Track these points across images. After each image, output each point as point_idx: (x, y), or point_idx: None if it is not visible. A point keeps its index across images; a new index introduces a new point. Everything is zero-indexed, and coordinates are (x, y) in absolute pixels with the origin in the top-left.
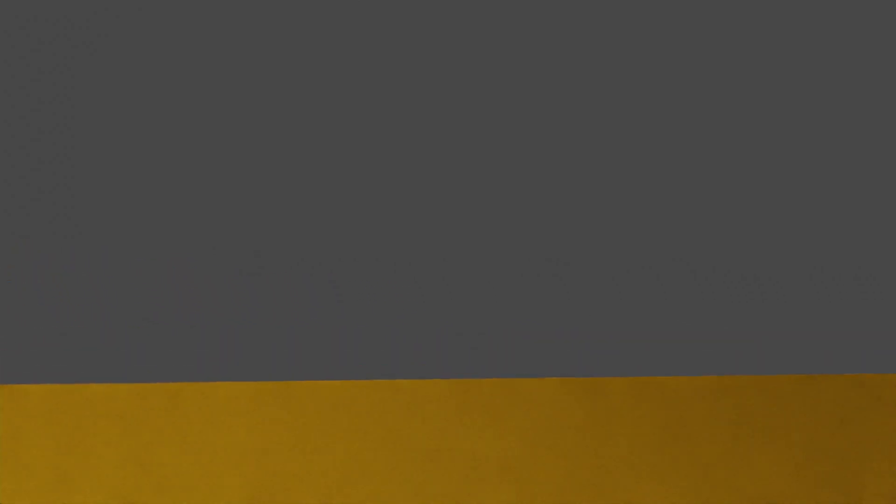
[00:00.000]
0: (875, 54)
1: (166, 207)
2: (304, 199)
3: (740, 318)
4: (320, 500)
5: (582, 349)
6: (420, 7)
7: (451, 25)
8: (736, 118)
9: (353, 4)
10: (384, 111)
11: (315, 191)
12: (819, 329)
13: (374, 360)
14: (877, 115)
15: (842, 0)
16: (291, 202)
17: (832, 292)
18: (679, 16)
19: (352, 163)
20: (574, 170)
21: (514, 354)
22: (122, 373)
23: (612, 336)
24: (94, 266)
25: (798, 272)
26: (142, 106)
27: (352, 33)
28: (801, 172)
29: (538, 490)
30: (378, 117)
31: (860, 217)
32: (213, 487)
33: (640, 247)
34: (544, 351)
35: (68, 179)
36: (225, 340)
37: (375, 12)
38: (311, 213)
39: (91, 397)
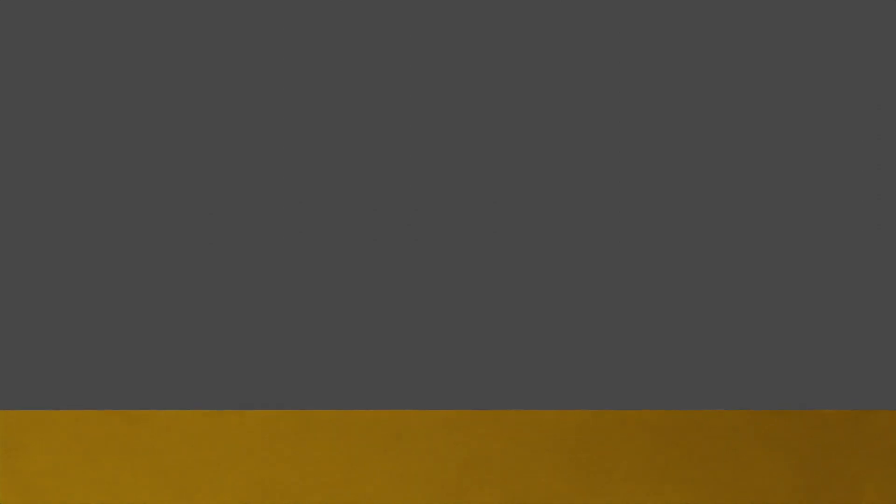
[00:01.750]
0: (877, 59)
1: (176, 227)
2: (303, 210)
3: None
4: None
5: (580, 378)
6: (419, 7)
7: (450, 25)
8: (744, 136)
9: (352, 5)
10: (379, 117)
11: (313, 202)
12: (818, 362)
13: (362, 387)
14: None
15: (842, 1)
16: (292, 216)
17: (832, 323)
18: (679, 16)
19: (346, 171)
20: (575, 172)
21: (513, 383)
22: (129, 399)
23: (611, 360)
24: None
25: (802, 274)
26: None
27: (353, 30)
28: (812, 174)
29: (534, 492)
30: (372, 123)
31: (864, 246)
32: None
33: (643, 255)
34: (535, 377)
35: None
36: (222, 367)
37: (375, 12)
38: (310, 225)
39: (95, 424)
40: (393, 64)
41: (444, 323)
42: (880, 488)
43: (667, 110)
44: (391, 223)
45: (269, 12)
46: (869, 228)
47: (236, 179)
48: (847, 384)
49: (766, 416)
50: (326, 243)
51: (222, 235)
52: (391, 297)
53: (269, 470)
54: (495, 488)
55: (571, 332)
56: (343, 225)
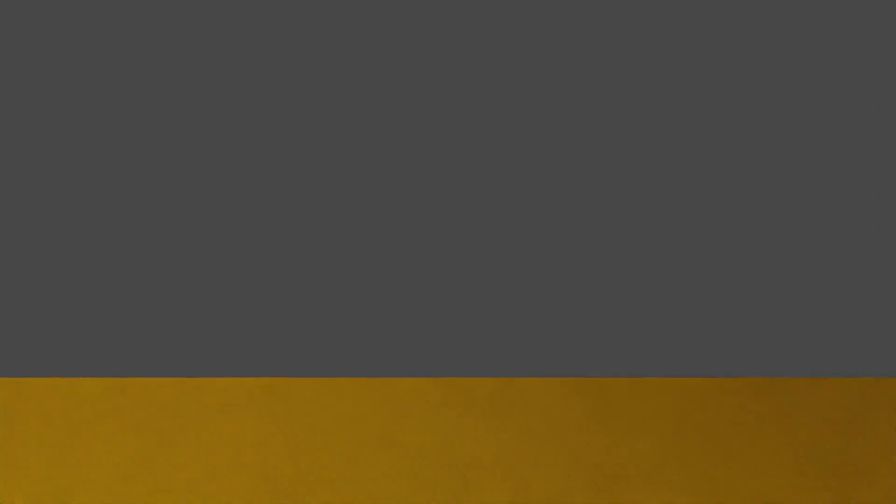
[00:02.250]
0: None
1: (169, 200)
2: (303, 189)
3: (743, 319)
4: (318, 498)
5: (583, 348)
6: (419, 7)
7: (450, 25)
8: (738, 123)
9: (352, 5)
10: (379, 117)
11: (314, 179)
12: (821, 331)
13: (368, 356)
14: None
15: (842, 1)
16: (292, 194)
17: (834, 294)
18: (679, 16)
19: (346, 171)
20: (577, 164)
21: (514, 353)
22: (123, 366)
23: (614, 335)
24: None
25: (803, 274)
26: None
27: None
28: (812, 174)
29: (535, 491)
30: (372, 124)
31: (863, 220)
32: (215, 485)
33: (645, 246)
34: (544, 350)
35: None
36: (226, 335)
37: (375, 12)
38: (310, 226)
39: (89, 391)
40: (393, 64)
41: (444, 323)
42: (887, 458)
43: (667, 110)
44: (391, 223)
45: (269, 12)
46: (869, 228)
47: (236, 179)
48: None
49: (775, 383)
50: (326, 243)
51: (222, 235)
52: (391, 296)
53: (261, 438)
54: (499, 462)
55: (572, 330)
56: (343, 225)
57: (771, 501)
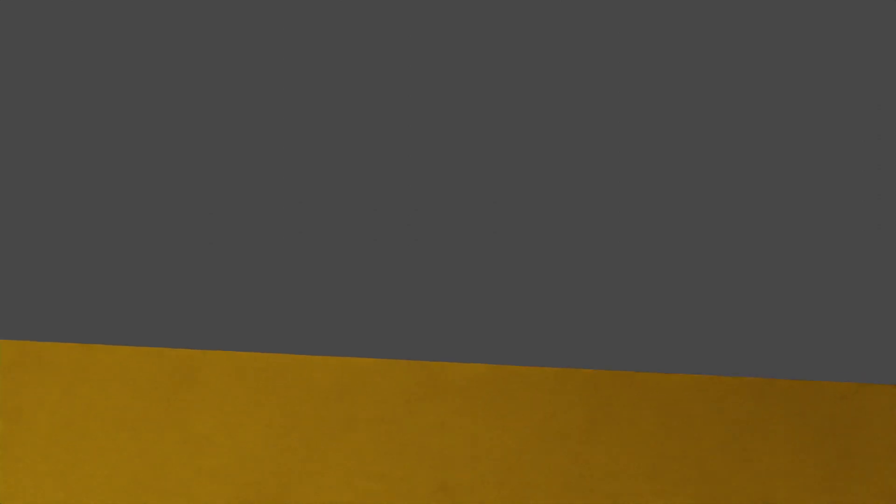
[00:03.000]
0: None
1: (170, 200)
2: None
3: (742, 318)
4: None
5: (582, 344)
6: (420, 7)
7: (450, 25)
8: (737, 121)
9: (352, 4)
10: (379, 117)
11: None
12: (821, 329)
13: (369, 340)
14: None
15: (842, 1)
16: (293, 176)
17: (833, 297)
18: (679, 16)
19: (346, 171)
20: (576, 164)
21: (514, 353)
22: (133, 335)
23: (613, 330)
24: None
25: (803, 273)
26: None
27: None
28: (812, 174)
29: (530, 485)
30: (372, 124)
31: (862, 224)
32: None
33: (648, 245)
34: (544, 348)
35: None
36: (239, 310)
37: (375, 12)
38: (310, 226)
39: (98, 359)
40: (393, 64)
41: (444, 323)
42: (882, 463)
43: (667, 110)
44: (391, 223)
45: (269, 12)
46: (869, 228)
47: (236, 179)
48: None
49: (774, 385)
50: (326, 243)
51: (222, 235)
52: (391, 296)
53: (262, 409)
54: (502, 446)
55: (572, 328)
56: (343, 225)
57: (770, 501)
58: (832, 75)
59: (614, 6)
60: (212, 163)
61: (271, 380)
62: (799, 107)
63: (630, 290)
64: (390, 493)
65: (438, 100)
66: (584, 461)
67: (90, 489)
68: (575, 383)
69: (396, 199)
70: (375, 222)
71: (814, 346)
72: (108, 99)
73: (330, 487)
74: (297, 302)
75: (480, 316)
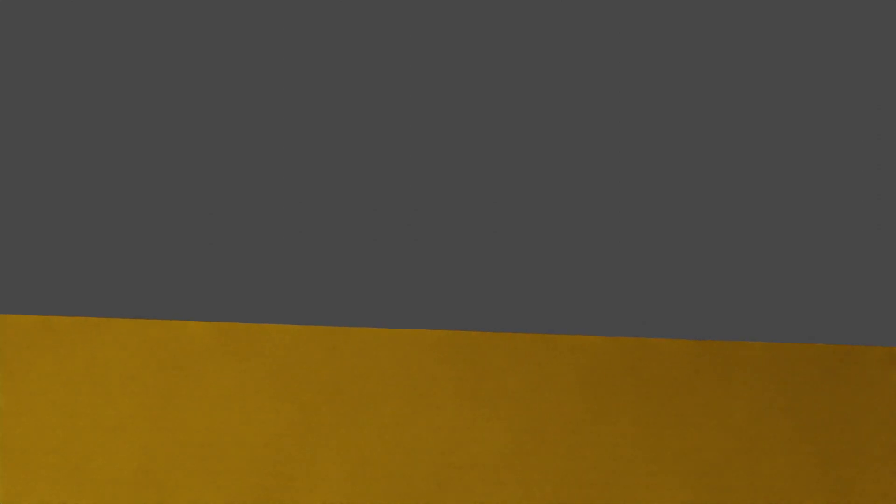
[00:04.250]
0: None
1: (169, 200)
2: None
3: (741, 317)
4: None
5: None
6: (420, 7)
7: (450, 25)
8: (735, 119)
9: (352, 5)
10: (379, 117)
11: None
12: (820, 328)
13: (372, 307)
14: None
15: (842, 1)
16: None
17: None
18: (679, 16)
19: (346, 171)
20: (577, 164)
21: (521, 310)
22: (134, 307)
23: (614, 331)
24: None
25: (803, 273)
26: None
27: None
28: (812, 174)
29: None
30: (372, 124)
31: (863, 220)
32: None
33: (650, 241)
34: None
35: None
36: (238, 309)
37: (375, 12)
38: (310, 226)
39: (99, 331)
40: (393, 64)
41: (444, 323)
42: (874, 426)
43: (667, 110)
44: (391, 223)
45: (269, 12)
46: (869, 228)
47: (236, 179)
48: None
49: (768, 347)
50: (326, 243)
51: (222, 235)
52: (391, 296)
53: (267, 383)
54: (507, 410)
55: (573, 315)
56: (343, 225)
57: (770, 490)
58: (832, 75)
59: (614, 6)
60: (212, 162)
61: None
62: (799, 107)
63: (631, 284)
64: (389, 488)
65: (438, 100)
66: (585, 453)
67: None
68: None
69: (396, 199)
70: (375, 222)
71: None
72: (108, 99)
73: (329, 483)
74: (297, 302)
75: (480, 314)
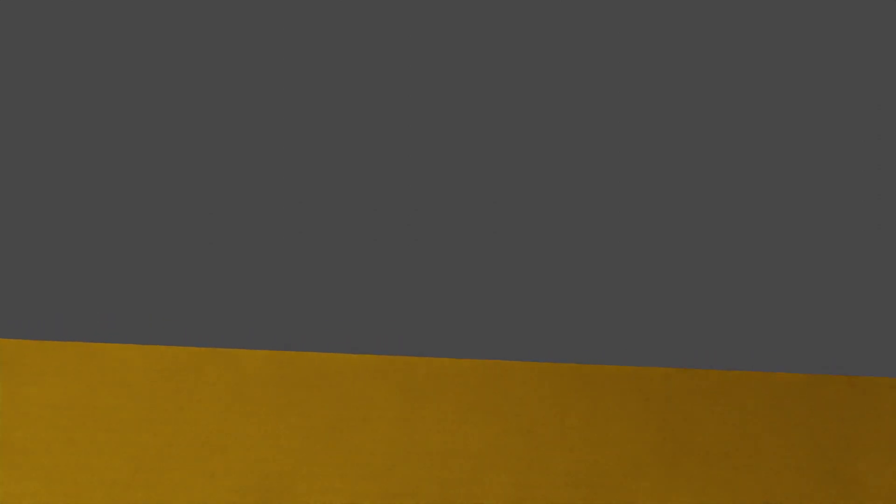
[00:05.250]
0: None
1: (170, 200)
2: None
3: (741, 316)
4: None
5: (582, 339)
6: (420, 7)
7: (450, 25)
8: (736, 122)
9: (352, 5)
10: (379, 117)
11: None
12: (819, 329)
13: (369, 335)
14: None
15: (842, 1)
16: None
17: (835, 293)
18: (679, 16)
19: (346, 171)
20: (577, 165)
21: (513, 355)
22: (132, 334)
23: (611, 324)
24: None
25: (803, 274)
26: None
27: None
28: (812, 174)
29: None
30: (372, 124)
31: (863, 220)
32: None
33: (649, 243)
34: (544, 337)
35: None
36: (243, 308)
37: (375, 12)
38: (310, 226)
39: (97, 357)
40: (393, 64)
41: (444, 323)
42: (874, 454)
43: (667, 110)
44: (391, 223)
45: (269, 12)
46: (869, 228)
47: (236, 179)
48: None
49: (773, 378)
50: (326, 243)
51: (222, 235)
52: (391, 296)
53: (266, 408)
54: (518, 436)
55: (572, 326)
56: (343, 225)
57: (769, 501)
58: (832, 75)
59: (614, 6)
60: (211, 163)
61: (272, 378)
62: (799, 107)
63: (631, 285)
64: (391, 492)
65: (438, 100)
66: (584, 459)
67: (88, 489)
68: (574, 380)
69: (396, 199)
70: (375, 222)
71: (814, 346)
72: (107, 102)
73: (328, 487)
74: (298, 302)
75: (480, 315)
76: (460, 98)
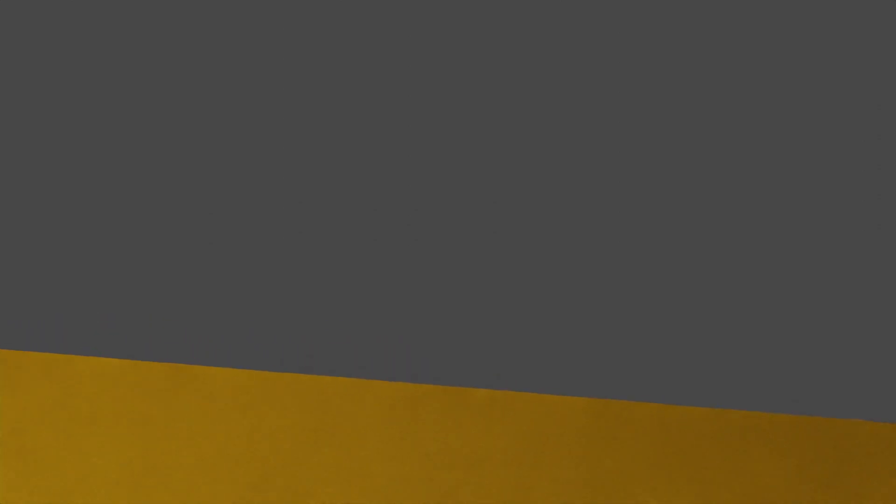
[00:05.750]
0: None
1: (170, 200)
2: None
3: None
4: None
5: (587, 367)
6: (420, 7)
7: (450, 25)
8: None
9: (352, 5)
10: (378, 117)
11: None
12: (821, 369)
13: (366, 357)
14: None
15: (842, 1)
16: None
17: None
18: (680, 16)
19: (346, 171)
20: (577, 165)
21: (518, 367)
22: (124, 348)
23: (620, 356)
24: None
25: (803, 274)
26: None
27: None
28: (812, 173)
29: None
30: (372, 124)
31: (862, 223)
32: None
33: (649, 259)
34: (549, 366)
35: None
36: (225, 332)
37: (375, 12)
38: (310, 226)
39: (89, 371)
40: (393, 64)
41: (444, 323)
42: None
43: (667, 110)
44: (391, 223)
45: (269, 12)
46: (869, 228)
47: (236, 179)
48: (850, 392)
49: (773, 419)
50: (326, 243)
51: (222, 235)
52: (391, 296)
53: (261, 427)
54: (491, 468)
55: (573, 327)
56: (343, 225)
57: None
58: (832, 75)
59: (614, 6)
60: (211, 165)
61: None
62: (799, 107)
63: (631, 311)
64: None
65: (438, 100)
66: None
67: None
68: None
69: (396, 199)
70: (375, 222)
71: (812, 343)
72: (109, 104)
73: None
74: (297, 302)
75: (480, 315)
76: (460, 99)
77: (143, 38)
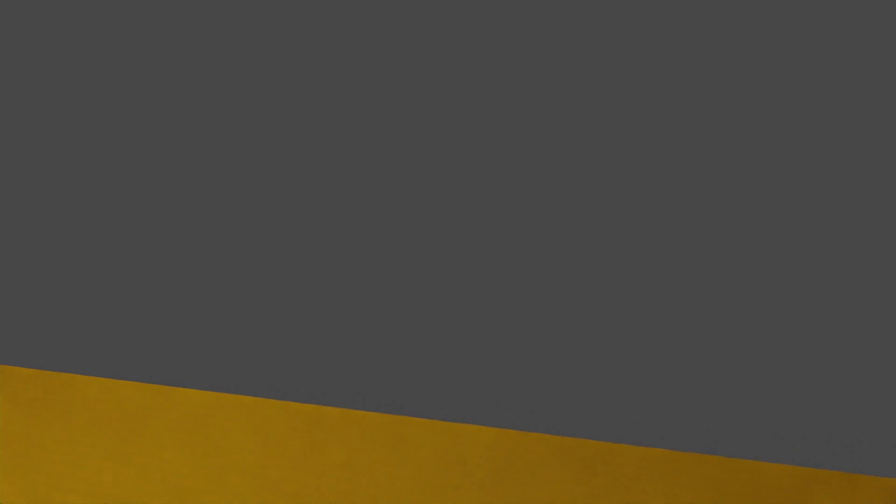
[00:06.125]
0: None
1: (170, 201)
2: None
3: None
4: None
5: (583, 410)
6: (420, 7)
7: (450, 25)
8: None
9: (352, 5)
10: (378, 117)
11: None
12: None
13: (365, 359)
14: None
15: (842, 1)
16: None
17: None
18: (680, 16)
19: (346, 170)
20: (574, 188)
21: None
22: (120, 368)
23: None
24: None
25: (804, 276)
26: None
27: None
28: (812, 173)
29: None
30: (372, 124)
31: (862, 223)
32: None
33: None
34: (542, 407)
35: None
36: (229, 350)
37: (375, 12)
38: (310, 226)
39: (84, 389)
40: (393, 64)
41: (444, 323)
42: None
43: (667, 111)
44: (391, 223)
45: (269, 12)
46: (869, 228)
47: (236, 179)
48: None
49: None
50: (326, 243)
51: (223, 235)
52: (391, 296)
53: (257, 455)
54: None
55: (571, 338)
56: (343, 225)
57: None
58: (832, 75)
59: (614, 6)
60: (212, 167)
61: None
62: (799, 107)
63: (629, 344)
64: None
65: (438, 100)
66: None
67: None
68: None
69: (396, 199)
70: (375, 222)
71: (810, 341)
72: (109, 107)
73: None
74: (297, 302)
75: (481, 317)
76: (460, 99)
77: (143, 41)
